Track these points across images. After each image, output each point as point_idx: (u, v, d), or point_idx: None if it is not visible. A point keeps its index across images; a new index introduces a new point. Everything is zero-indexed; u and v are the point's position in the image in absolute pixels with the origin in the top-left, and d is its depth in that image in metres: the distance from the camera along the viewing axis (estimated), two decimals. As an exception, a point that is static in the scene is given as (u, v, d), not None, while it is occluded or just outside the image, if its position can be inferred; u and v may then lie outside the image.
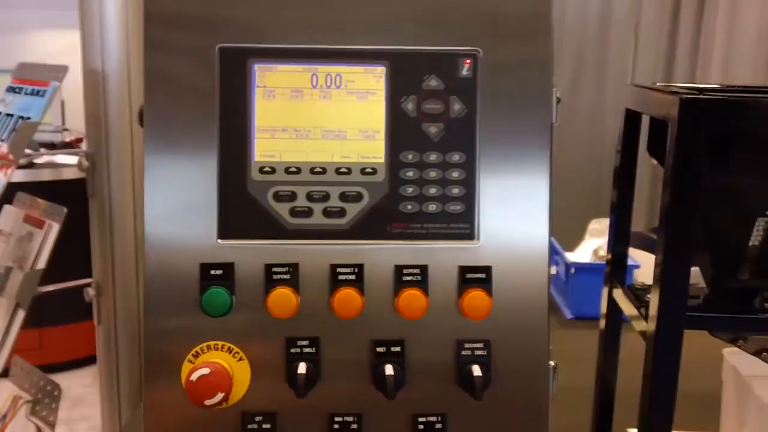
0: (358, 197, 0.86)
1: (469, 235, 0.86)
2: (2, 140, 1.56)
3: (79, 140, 3.32)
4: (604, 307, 1.16)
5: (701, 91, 0.92)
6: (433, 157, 0.86)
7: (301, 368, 0.84)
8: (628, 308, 1.05)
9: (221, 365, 0.83)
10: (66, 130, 3.56)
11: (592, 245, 2.00)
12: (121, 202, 1.63)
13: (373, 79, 0.86)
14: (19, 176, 3.00)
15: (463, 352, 0.86)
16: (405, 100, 0.86)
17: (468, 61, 0.86)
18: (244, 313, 0.85)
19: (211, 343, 0.85)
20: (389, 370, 0.84)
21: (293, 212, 0.86)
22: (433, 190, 0.86)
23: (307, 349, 0.85)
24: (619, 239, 1.16)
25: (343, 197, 0.86)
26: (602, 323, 1.16)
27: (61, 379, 1.63)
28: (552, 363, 0.88)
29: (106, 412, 1.67)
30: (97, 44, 1.51)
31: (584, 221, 2.29)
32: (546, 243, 0.87)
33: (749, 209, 0.92)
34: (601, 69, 3.76)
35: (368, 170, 0.86)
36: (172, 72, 0.85)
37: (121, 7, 1.50)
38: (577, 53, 3.77)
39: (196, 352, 0.85)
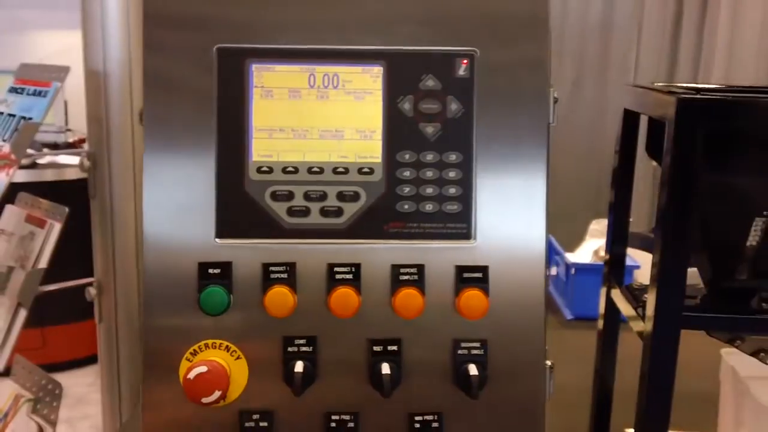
0: (355, 197, 0.86)
1: (466, 234, 0.87)
2: (4, 140, 1.57)
3: (82, 141, 3.32)
4: (602, 308, 1.16)
5: (698, 91, 0.92)
6: (430, 156, 0.86)
7: (298, 367, 0.84)
8: (626, 308, 1.05)
9: (219, 363, 0.83)
10: (69, 130, 3.57)
11: (592, 246, 2.00)
12: (122, 202, 1.64)
13: (370, 79, 0.86)
14: (22, 176, 3.02)
15: (460, 352, 0.86)
16: (402, 100, 0.86)
17: (465, 61, 0.86)
18: (241, 311, 0.86)
19: (209, 341, 0.86)
20: (386, 369, 0.84)
21: (291, 212, 0.86)
22: (430, 190, 0.86)
23: (304, 348, 0.86)
24: (618, 239, 1.16)
25: (341, 197, 0.86)
26: (600, 323, 1.16)
27: (64, 378, 1.64)
28: (549, 363, 0.89)
29: (106, 409, 1.68)
30: (98, 45, 1.52)
31: (585, 222, 2.29)
32: (543, 243, 0.87)
33: (747, 209, 0.92)
34: (603, 70, 3.75)
35: (365, 170, 0.86)
36: (170, 72, 0.85)
37: (123, 8, 1.51)
38: (579, 54, 3.77)
39: (194, 350, 0.86)
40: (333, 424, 0.86)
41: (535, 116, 0.87)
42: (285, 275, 0.85)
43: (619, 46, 3.77)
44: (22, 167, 3.07)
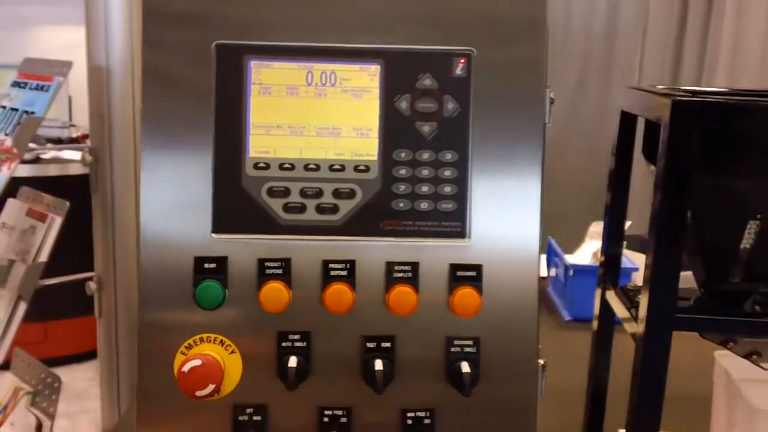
0: (351, 194, 0.87)
1: (461, 233, 0.87)
2: (7, 134, 1.58)
3: (86, 136, 3.33)
4: (596, 309, 1.16)
5: (694, 93, 0.93)
6: (425, 155, 0.87)
7: (292, 362, 0.85)
8: (620, 310, 1.05)
9: (213, 357, 0.84)
10: (73, 126, 3.59)
11: (591, 248, 2.01)
12: (124, 198, 1.65)
13: (367, 78, 0.87)
14: (25, 171, 3.04)
15: (453, 349, 0.87)
16: (399, 98, 0.87)
17: (462, 60, 0.87)
18: (236, 306, 0.86)
19: (204, 335, 0.87)
20: (379, 365, 0.85)
21: (287, 208, 0.87)
22: (425, 188, 0.87)
23: (298, 343, 0.86)
24: (613, 241, 1.17)
25: (336, 194, 0.87)
26: (595, 324, 1.17)
27: (64, 372, 1.65)
28: (541, 361, 0.89)
29: (105, 403, 1.69)
30: (101, 40, 1.53)
31: (587, 224, 2.29)
32: (537, 242, 0.88)
33: (741, 212, 0.93)
34: (607, 73, 3.76)
35: (361, 167, 0.87)
36: (169, 69, 0.86)
37: (126, 4, 1.52)
38: (583, 57, 3.77)
39: (189, 344, 0.86)
40: (326, 419, 0.87)
41: (531, 116, 0.88)
42: (280, 271, 0.86)
43: (624, 49, 3.77)
44: (25, 162, 3.10)
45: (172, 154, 0.86)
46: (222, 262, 0.86)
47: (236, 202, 0.86)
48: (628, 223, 2.32)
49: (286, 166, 0.87)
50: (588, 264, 1.92)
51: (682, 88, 1.03)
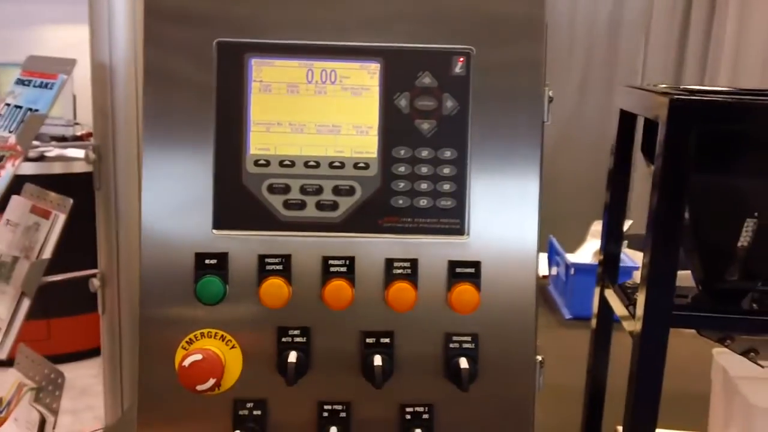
0: (350, 191, 0.88)
1: (459, 230, 0.88)
2: (11, 132, 1.59)
3: (90, 134, 3.35)
4: (595, 307, 1.17)
5: (692, 92, 0.93)
6: (425, 153, 0.88)
7: (292, 357, 0.86)
8: (618, 308, 1.06)
9: (214, 352, 0.85)
10: (77, 124, 3.60)
11: (592, 246, 2.01)
12: (127, 195, 1.66)
13: (367, 76, 0.87)
14: (30, 169, 3.05)
15: (451, 345, 0.88)
16: (398, 96, 0.87)
17: (461, 59, 0.87)
18: (237, 302, 0.87)
19: (205, 330, 0.87)
20: (378, 360, 0.86)
21: (287, 204, 0.87)
22: (424, 186, 0.88)
23: (297, 339, 0.87)
24: (612, 240, 1.17)
25: (336, 191, 0.88)
26: (593, 322, 1.17)
27: (68, 369, 1.66)
28: (539, 358, 0.90)
29: (108, 398, 1.70)
30: (105, 39, 1.54)
31: (589, 223, 2.30)
32: (535, 239, 0.88)
33: (738, 210, 0.93)
34: (611, 72, 3.76)
35: (361, 165, 0.88)
36: (171, 66, 0.87)
37: (129, 3, 1.53)
38: (586, 56, 3.78)
39: (190, 339, 0.87)
40: (325, 414, 0.88)
41: (530, 115, 0.88)
42: (280, 267, 0.87)
43: (627, 49, 3.77)
44: (30, 160, 3.12)
45: (173, 151, 0.87)
46: (223, 258, 0.87)
47: (237, 199, 0.87)
48: (629, 223, 2.33)
49: (287, 163, 0.88)
50: (588, 263, 1.93)
51: (681, 87, 1.03)
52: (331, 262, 0.87)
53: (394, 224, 0.88)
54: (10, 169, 1.53)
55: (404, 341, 0.88)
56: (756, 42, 3.40)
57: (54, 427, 1.55)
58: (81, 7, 1.72)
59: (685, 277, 1.07)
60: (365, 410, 0.88)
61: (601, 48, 3.78)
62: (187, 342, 0.87)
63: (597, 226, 2.08)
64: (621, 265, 1.21)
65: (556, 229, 2.14)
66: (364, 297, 0.87)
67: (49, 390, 1.57)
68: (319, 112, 0.88)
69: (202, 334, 0.87)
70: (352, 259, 0.87)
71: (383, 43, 0.87)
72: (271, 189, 0.87)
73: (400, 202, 0.88)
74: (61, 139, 3.42)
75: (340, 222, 0.87)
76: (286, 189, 0.87)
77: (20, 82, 1.65)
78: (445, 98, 0.87)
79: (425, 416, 0.88)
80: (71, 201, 1.54)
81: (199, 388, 0.83)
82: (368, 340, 0.87)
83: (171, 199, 0.87)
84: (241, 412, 0.88)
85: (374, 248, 0.87)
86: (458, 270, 0.87)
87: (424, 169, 0.87)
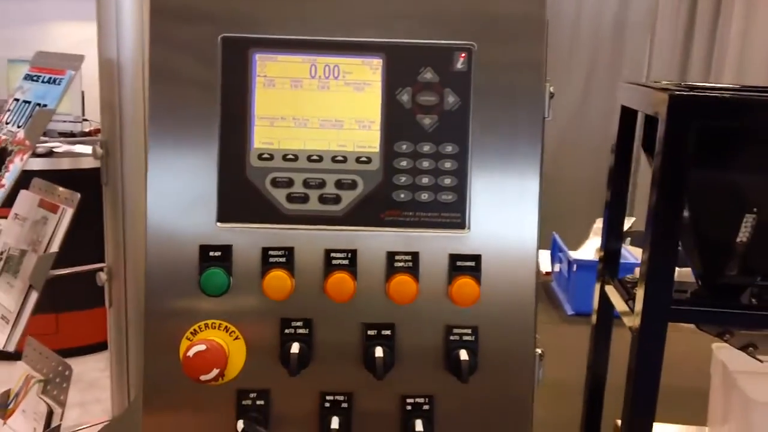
0: (353, 185, 0.89)
1: (460, 224, 0.89)
2: (19, 126, 1.61)
3: (98, 131, 3.37)
4: (596, 303, 1.18)
5: (692, 88, 0.94)
6: (426, 147, 0.89)
7: (294, 348, 0.87)
8: (619, 303, 1.07)
9: (217, 343, 0.86)
10: (86, 120, 3.63)
11: (595, 244, 2.02)
12: (134, 189, 1.67)
13: (370, 71, 0.88)
14: (39, 164, 3.08)
15: (452, 337, 0.89)
16: (400, 91, 0.88)
17: (463, 54, 0.88)
18: (240, 294, 0.88)
19: (209, 321, 0.89)
20: (379, 352, 0.87)
21: (290, 198, 0.89)
22: (425, 180, 0.89)
23: (300, 330, 0.88)
24: (613, 236, 1.18)
25: (339, 185, 0.89)
26: (594, 318, 1.18)
27: (76, 363, 1.67)
28: (539, 350, 0.91)
29: (115, 390, 1.71)
30: (112, 34, 1.55)
31: (592, 221, 2.31)
32: (535, 233, 0.89)
33: (738, 206, 0.94)
34: (616, 71, 3.76)
35: (363, 159, 0.89)
36: (176, 63, 0.88)
37: (136, 0, 1.54)
38: (592, 55, 3.78)
39: (194, 330, 0.89)
40: (327, 404, 0.89)
41: (530, 110, 0.89)
42: (283, 259, 0.88)
43: (632, 48, 3.78)
44: (39, 155, 3.14)
45: (178, 146, 0.88)
46: (227, 250, 0.88)
47: (241, 192, 0.88)
48: (632, 220, 2.33)
49: (290, 157, 0.89)
50: (590, 259, 1.94)
51: (682, 83, 1.04)
52: (333, 254, 0.88)
53: (396, 218, 0.89)
54: (18, 164, 1.55)
55: (405, 333, 0.89)
56: (761, 42, 3.40)
57: (61, 419, 1.57)
58: (89, 5, 1.74)
59: (685, 274, 1.08)
60: (366, 401, 0.89)
61: (606, 48, 3.79)
62: (191, 333, 0.88)
63: (599, 224, 2.09)
64: (623, 261, 1.22)
65: (559, 226, 2.15)
66: (366, 289, 0.88)
67: (57, 382, 1.59)
68: (323, 107, 0.89)
69: (206, 326, 0.89)
70: (354, 252, 0.88)
71: (386, 39, 0.88)
72: (275, 183, 0.88)
73: (402, 196, 0.89)
74: (70, 135, 3.44)
75: (343, 215, 0.89)
76: (290, 183, 0.89)
77: (29, 77, 1.67)
78: (446, 93, 0.88)
79: (426, 407, 0.89)
80: (79, 195, 1.56)
81: (203, 378, 0.84)
82: (370, 332, 0.89)
83: (176, 193, 0.88)
84: (244, 402, 0.89)
85: (376, 241, 0.89)
86: (459, 263, 0.88)
87: (426, 164, 0.89)
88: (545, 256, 2.20)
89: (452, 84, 0.88)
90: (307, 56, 0.88)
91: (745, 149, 0.94)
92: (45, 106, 1.58)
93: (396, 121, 0.88)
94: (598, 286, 1.18)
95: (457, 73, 0.88)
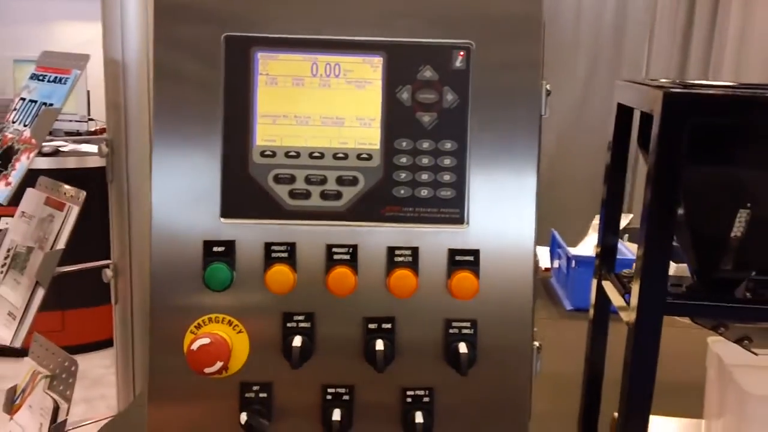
0: (354, 181, 0.90)
1: (459, 219, 0.90)
2: (26, 125, 1.63)
3: (103, 130, 3.40)
4: (593, 297, 1.19)
5: (687, 86, 0.96)
6: (426, 144, 0.90)
7: (297, 341, 0.88)
8: (615, 298, 1.08)
9: (221, 336, 0.88)
10: (91, 119, 3.65)
11: (594, 240, 2.03)
12: (139, 187, 1.69)
13: (370, 69, 0.90)
14: (45, 163, 3.11)
15: (451, 331, 0.90)
16: (400, 89, 0.90)
17: (462, 53, 0.90)
18: (244, 288, 0.90)
19: (213, 315, 0.90)
20: (380, 345, 0.88)
21: (292, 194, 0.90)
22: (425, 176, 0.90)
23: (302, 324, 0.90)
24: (609, 232, 1.20)
25: (340, 181, 0.90)
26: (591, 313, 1.20)
27: (83, 360, 1.69)
28: (536, 343, 0.92)
29: (121, 386, 1.73)
30: (117, 35, 1.57)
31: (592, 218, 2.32)
32: (532, 228, 0.91)
33: (732, 201, 0.95)
34: (615, 69, 3.77)
35: (364, 156, 0.90)
36: (180, 62, 0.90)
37: (141, 0, 1.56)
38: (591, 53, 3.79)
39: (198, 324, 0.90)
40: (329, 397, 0.91)
41: (528, 108, 0.91)
42: (286, 254, 0.90)
43: (631, 46, 3.79)
44: (45, 154, 3.17)
45: (182, 144, 0.90)
46: (230, 245, 0.90)
47: (244, 189, 0.90)
48: (630, 216, 2.35)
49: (292, 154, 0.90)
50: (589, 255, 1.95)
51: (677, 81, 1.05)
52: (334, 249, 0.90)
53: (396, 213, 0.90)
54: (25, 162, 1.57)
55: (405, 327, 0.90)
56: (759, 40, 3.41)
57: (67, 414, 1.59)
58: (94, 5, 1.76)
59: (682, 270, 1.10)
60: (368, 393, 0.91)
61: (605, 47, 3.79)
62: (195, 327, 0.90)
63: (598, 221, 2.10)
64: (621, 257, 1.23)
65: (558, 223, 2.16)
66: (367, 284, 0.90)
67: (63, 378, 1.61)
68: (324, 105, 0.90)
69: (210, 319, 0.90)
70: (355, 247, 0.90)
71: (386, 38, 0.90)
72: (277, 179, 0.90)
73: (402, 192, 0.90)
74: (76, 134, 3.47)
75: (344, 211, 0.90)
76: (292, 179, 0.90)
77: (35, 77, 1.69)
78: (445, 91, 0.90)
79: (425, 399, 0.91)
80: (84, 193, 1.58)
81: (207, 371, 0.86)
82: (370, 326, 0.90)
83: (180, 190, 0.90)
84: (247, 395, 0.91)
85: (376, 237, 0.90)
86: (458, 258, 0.90)
87: (425, 160, 0.90)
88: (544, 252, 2.22)
89: (451, 82, 0.90)
90: (308, 55, 0.90)
91: (740, 145, 0.95)
92: (51, 105, 1.59)
93: (396, 119, 0.90)
94: (595, 282, 1.19)
95: (456, 72, 0.90)
